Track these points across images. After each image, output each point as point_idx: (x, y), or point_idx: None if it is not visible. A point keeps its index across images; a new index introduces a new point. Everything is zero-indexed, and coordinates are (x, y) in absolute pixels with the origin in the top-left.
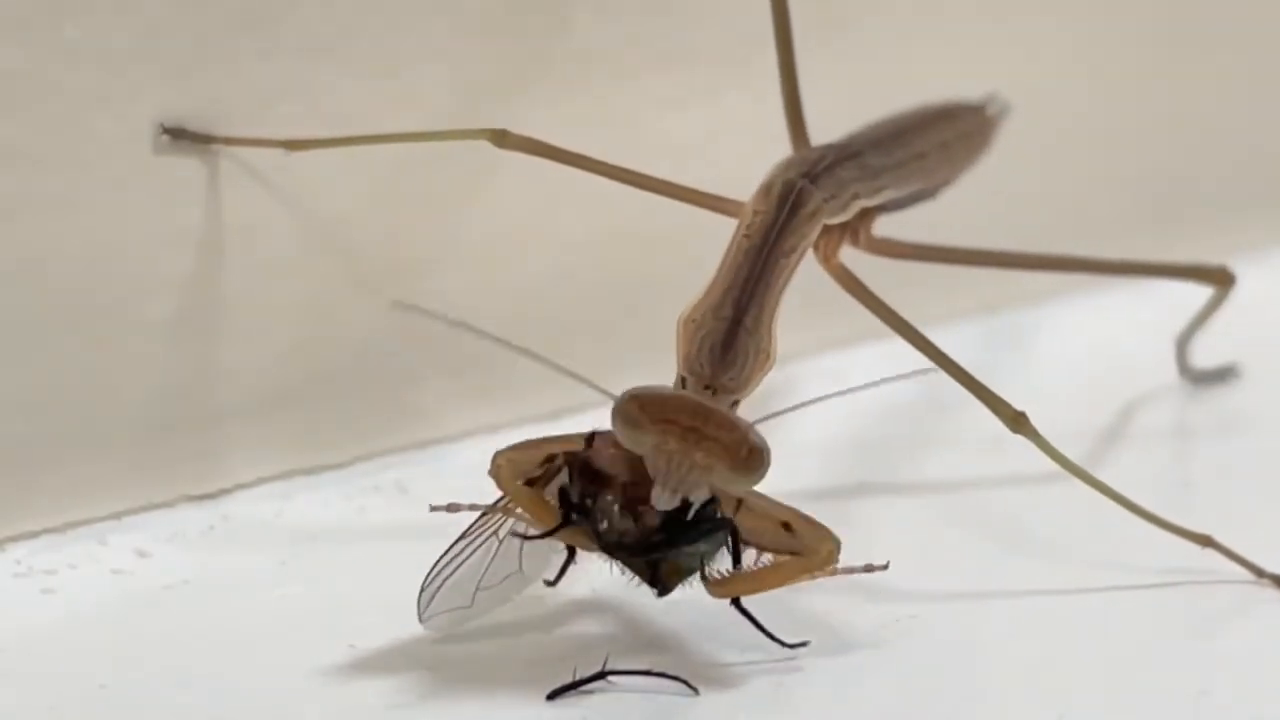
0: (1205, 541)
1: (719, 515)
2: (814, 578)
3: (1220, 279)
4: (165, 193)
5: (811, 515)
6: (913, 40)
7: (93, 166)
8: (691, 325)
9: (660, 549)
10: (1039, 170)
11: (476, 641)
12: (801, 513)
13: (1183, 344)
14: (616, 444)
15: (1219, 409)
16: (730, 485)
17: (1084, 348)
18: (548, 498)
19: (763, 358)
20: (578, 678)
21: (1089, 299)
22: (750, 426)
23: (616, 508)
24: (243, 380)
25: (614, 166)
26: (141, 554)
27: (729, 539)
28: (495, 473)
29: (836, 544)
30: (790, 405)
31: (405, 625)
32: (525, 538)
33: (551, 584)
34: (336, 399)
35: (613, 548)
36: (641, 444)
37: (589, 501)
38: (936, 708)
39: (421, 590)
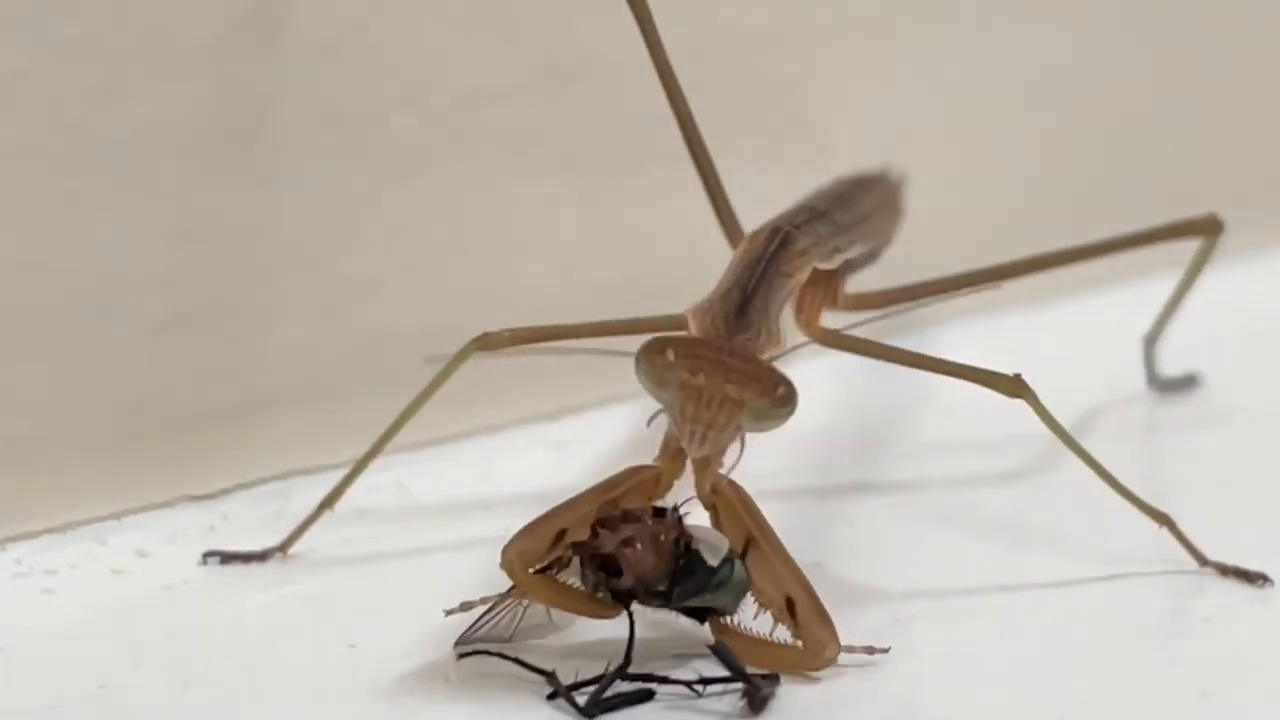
0: (1163, 520)
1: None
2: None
3: (1208, 228)
4: (165, 192)
5: (819, 602)
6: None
7: (93, 166)
8: (702, 309)
9: (688, 595)
10: (1030, 183)
11: (477, 642)
12: (811, 594)
13: (1151, 340)
14: (618, 519)
15: (1217, 409)
16: (760, 420)
17: (1082, 348)
18: (563, 579)
19: (774, 338)
20: (579, 680)
21: (1088, 299)
22: (774, 365)
23: (639, 587)
24: (243, 380)
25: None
26: (141, 554)
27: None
28: (507, 566)
29: (836, 649)
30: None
31: (405, 625)
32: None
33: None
34: (336, 399)
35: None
36: (668, 382)
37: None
38: (937, 708)
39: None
